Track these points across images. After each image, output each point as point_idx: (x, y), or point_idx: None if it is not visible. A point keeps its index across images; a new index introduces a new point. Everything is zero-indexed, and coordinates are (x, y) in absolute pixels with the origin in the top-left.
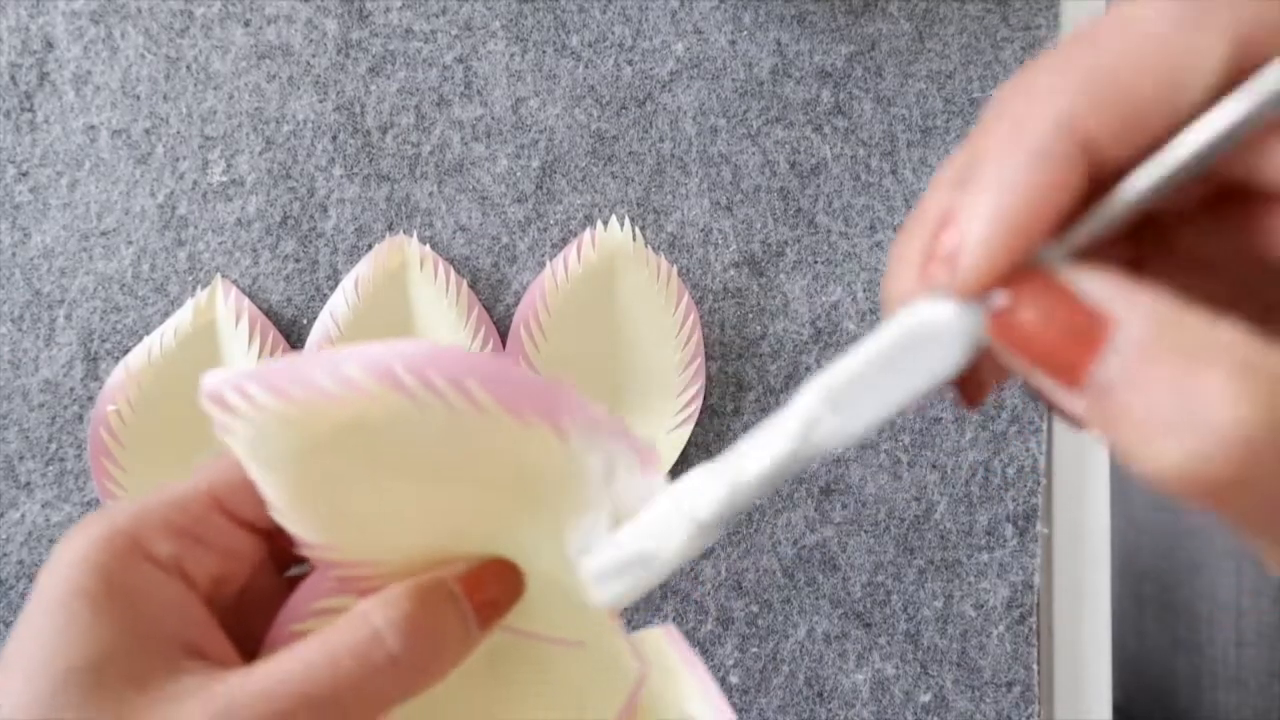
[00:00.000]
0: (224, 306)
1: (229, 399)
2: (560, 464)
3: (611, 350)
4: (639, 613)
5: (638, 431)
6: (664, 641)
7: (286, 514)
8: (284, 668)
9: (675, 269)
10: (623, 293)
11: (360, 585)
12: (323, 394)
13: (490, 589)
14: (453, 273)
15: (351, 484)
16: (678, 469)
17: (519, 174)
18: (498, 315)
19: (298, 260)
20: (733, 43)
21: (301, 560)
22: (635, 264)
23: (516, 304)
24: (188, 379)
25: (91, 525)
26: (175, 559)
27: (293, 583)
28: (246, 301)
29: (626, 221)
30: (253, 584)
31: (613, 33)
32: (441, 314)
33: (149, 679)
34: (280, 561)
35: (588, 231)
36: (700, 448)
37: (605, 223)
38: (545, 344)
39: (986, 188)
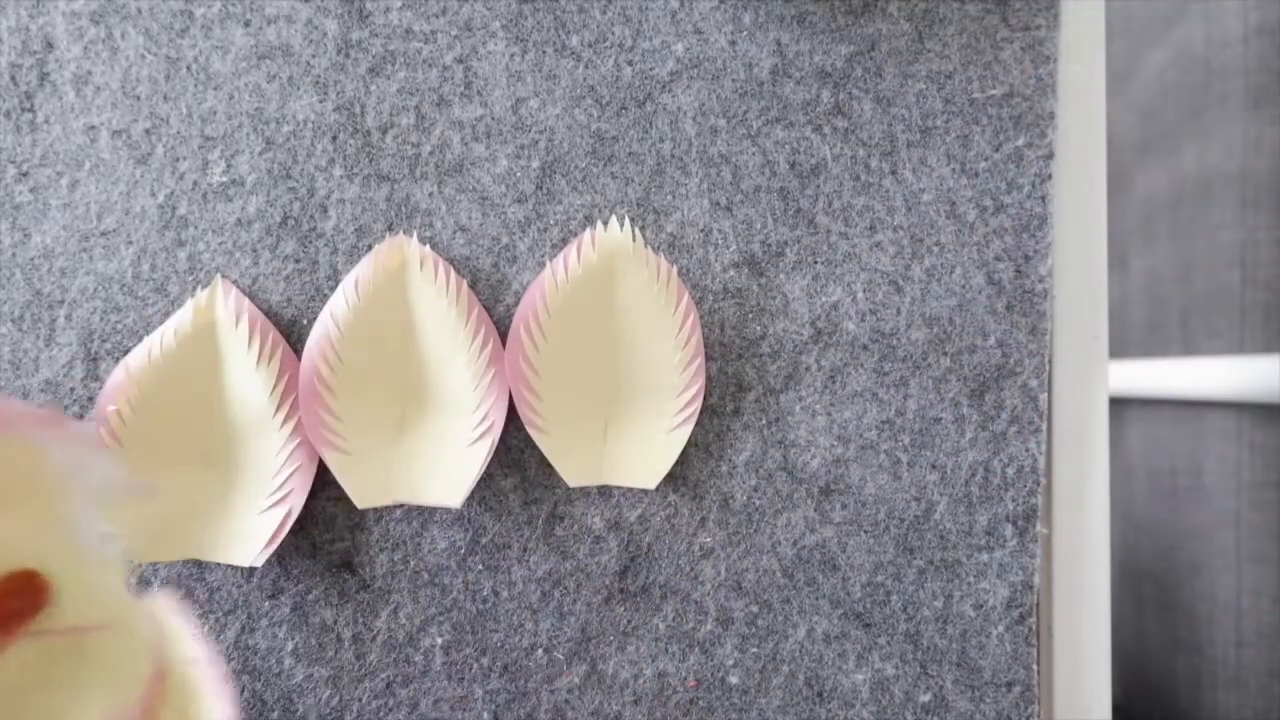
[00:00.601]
0: (224, 307)
1: None
2: (28, 463)
3: (611, 350)
4: (639, 613)
5: (637, 431)
6: (159, 603)
7: None
8: None
9: (675, 269)
10: (622, 293)
11: None
12: None
13: (8, 601)
14: (453, 273)
15: None
16: (678, 468)
17: (519, 174)
18: (498, 315)
19: (298, 260)
20: (733, 43)
21: None
22: (635, 264)
23: (516, 304)
24: (188, 379)
25: None
26: None
27: None
28: (246, 302)
29: (626, 221)
30: None
31: (613, 33)
32: (441, 314)
33: None
34: None
35: (587, 231)
36: (700, 448)
37: (605, 223)
38: (545, 344)
39: None
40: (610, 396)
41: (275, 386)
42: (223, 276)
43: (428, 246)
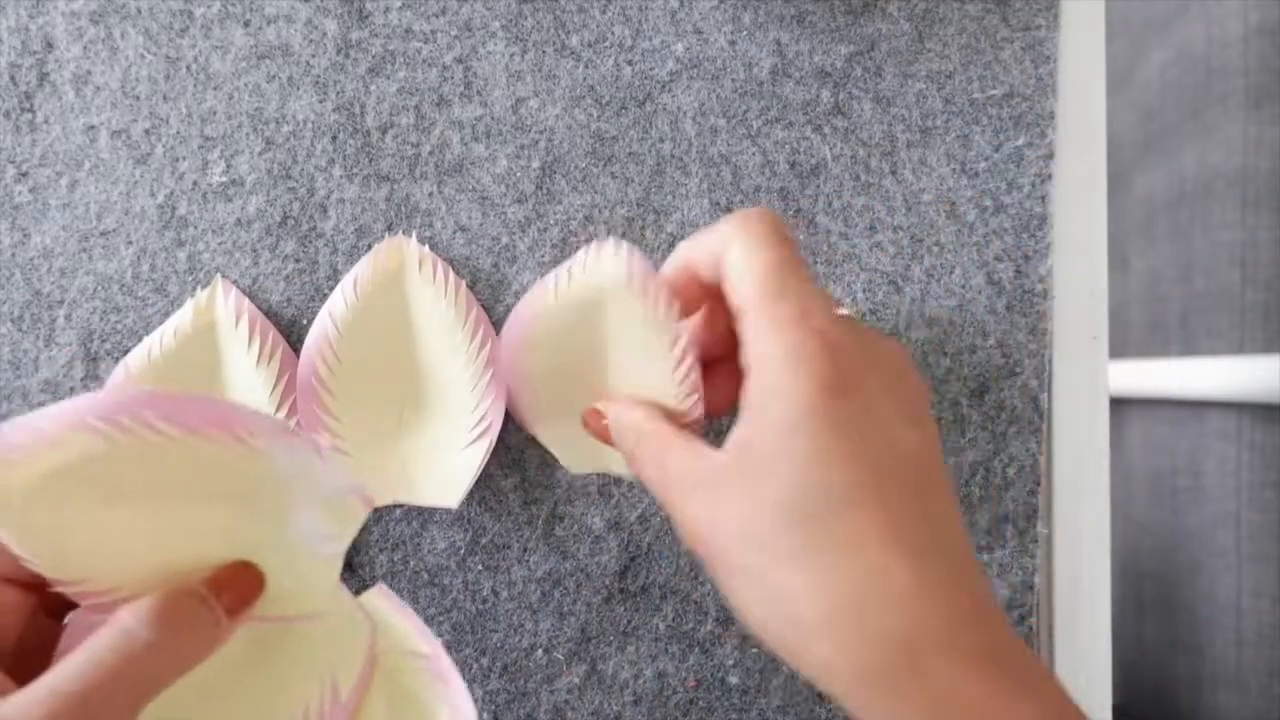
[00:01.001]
0: (224, 307)
1: None
2: (254, 467)
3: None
4: (639, 613)
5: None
6: (378, 598)
7: (32, 560)
8: (56, 676)
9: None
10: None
11: (114, 610)
12: (29, 450)
13: (232, 585)
14: (451, 273)
15: (76, 523)
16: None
17: (519, 174)
18: (497, 315)
19: (297, 260)
20: (732, 43)
21: (74, 605)
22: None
23: (517, 304)
24: (188, 379)
25: None
26: None
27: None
28: (246, 302)
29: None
30: (29, 632)
31: (613, 33)
32: (440, 315)
33: None
34: (52, 608)
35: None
36: None
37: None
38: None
39: None
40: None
41: (275, 386)
42: (223, 276)
43: (426, 247)
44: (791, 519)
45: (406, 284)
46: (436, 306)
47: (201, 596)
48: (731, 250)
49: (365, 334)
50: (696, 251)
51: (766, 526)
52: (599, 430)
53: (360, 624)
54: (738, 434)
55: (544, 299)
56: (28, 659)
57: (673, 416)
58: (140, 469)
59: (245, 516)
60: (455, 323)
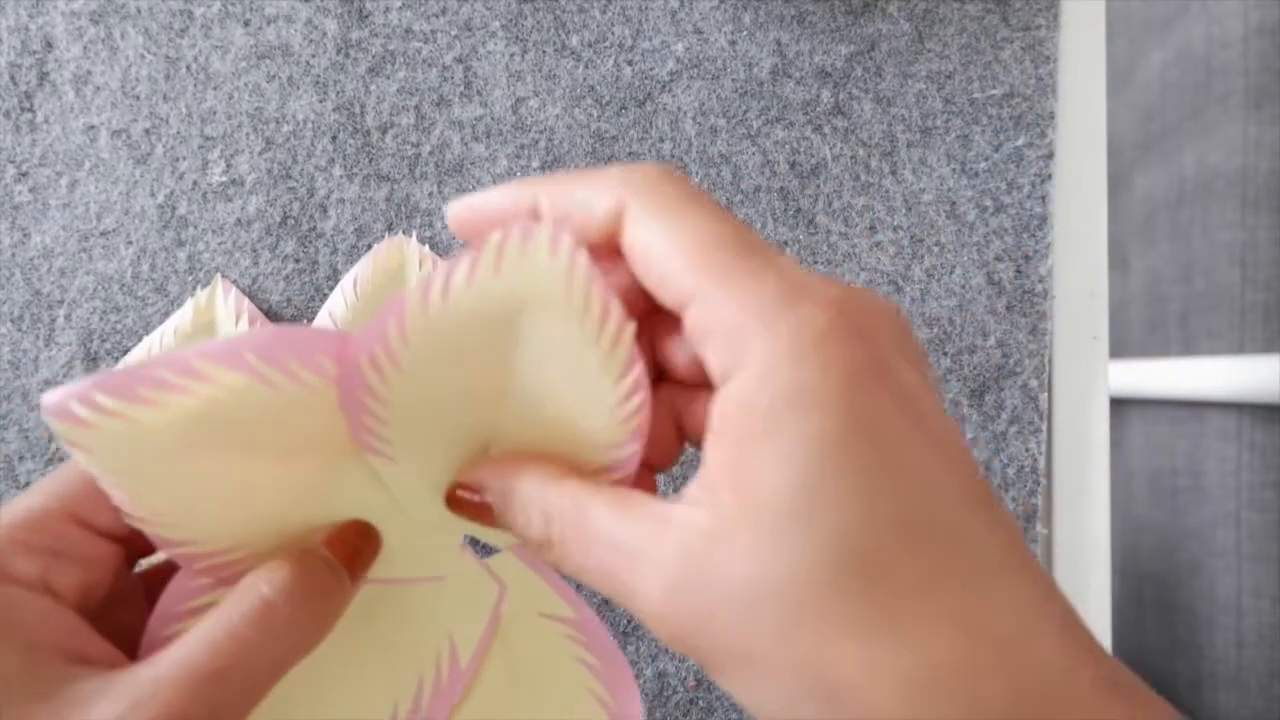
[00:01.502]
0: (224, 306)
1: (77, 412)
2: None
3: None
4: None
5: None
6: (513, 559)
7: (144, 518)
8: (187, 651)
9: (628, 320)
10: (534, 332)
11: (226, 572)
12: (171, 388)
13: (353, 545)
14: None
15: (207, 472)
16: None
17: (519, 174)
18: None
19: (298, 260)
20: (733, 43)
21: (151, 551)
22: (561, 300)
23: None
24: None
25: None
26: (39, 577)
27: (146, 578)
28: (246, 301)
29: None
30: (115, 586)
31: (613, 33)
32: None
33: (48, 690)
34: (134, 559)
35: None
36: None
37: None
38: (398, 376)
39: None
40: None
41: None
42: (223, 276)
43: (427, 246)
44: (851, 576)
45: (407, 283)
46: None
47: (330, 562)
48: (634, 226)
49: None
50: (558, 200)
51: (813, 594)
52: (475, 513)
53: (486, 586)
54: (718, 473)
55: (422, 302)
56: (114, 616)
57: (585, 475)
58: (281, 417)
59: (367, 477)
60: None
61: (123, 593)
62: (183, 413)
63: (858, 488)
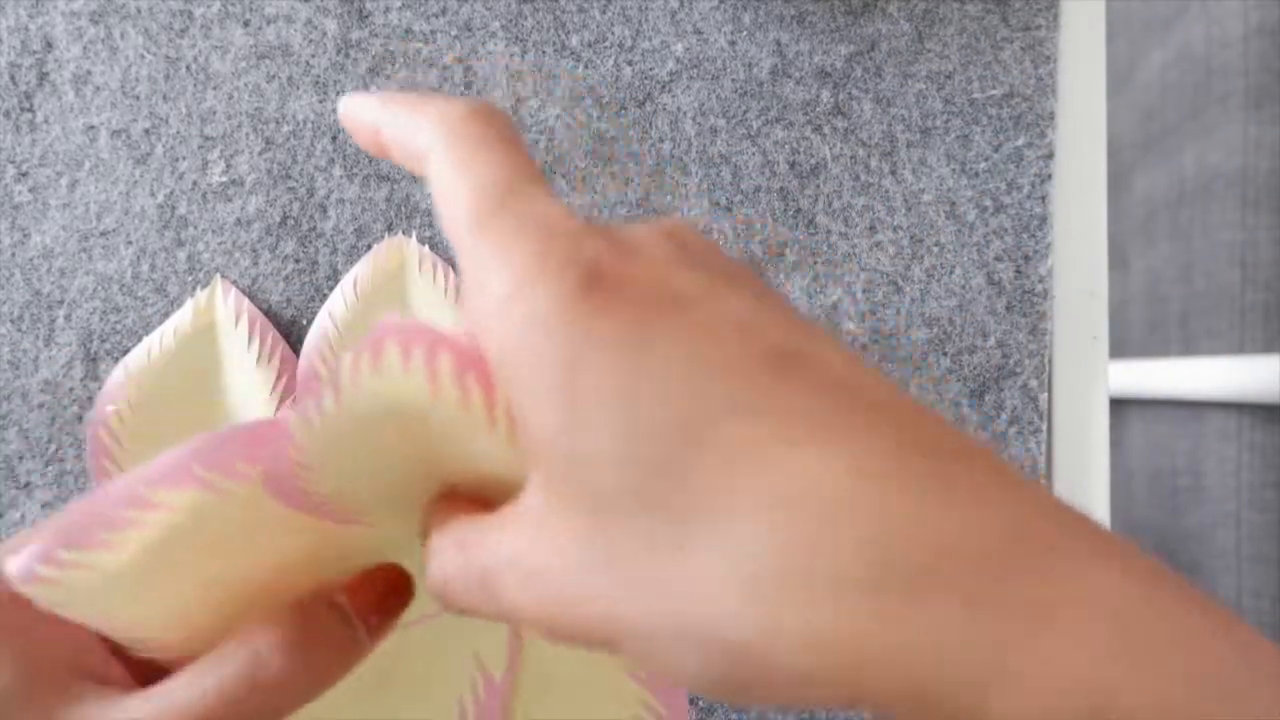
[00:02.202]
0: (224, 306)
1: (42, 574)
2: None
3: None
4: None
5: None
6: None
7: (123, 640)
8: (177, 693)
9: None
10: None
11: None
12: (126, 525)
13: (376, 596)
14: (451, 273)
15: (182, 587)
16: None
17: None
18: None
19: (297, 260)
20: (732, 43)
21: None
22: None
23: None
24: (188, 379)
25: None
26: None
27: None
28: (246, 302)
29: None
30: None
31: (613, 33)
32: (440, 315)
33: (50, 707)
34: None
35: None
36: None
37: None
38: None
39: None
40: None
41: (275, 386)
42: (222, 276)
43: (426, 247)
44: (647, 478)
45: (407, 284)
46: (437, 306)
47: (341, 612)
48: (432, 158)
49: (366, 334)
50: (395, 131)
51: (609, 534)
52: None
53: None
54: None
55: (305, 426)
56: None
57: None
58: (242, 516)
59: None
60: (457, 323)
61: None
62: (142, 546)
63: (608, 412)
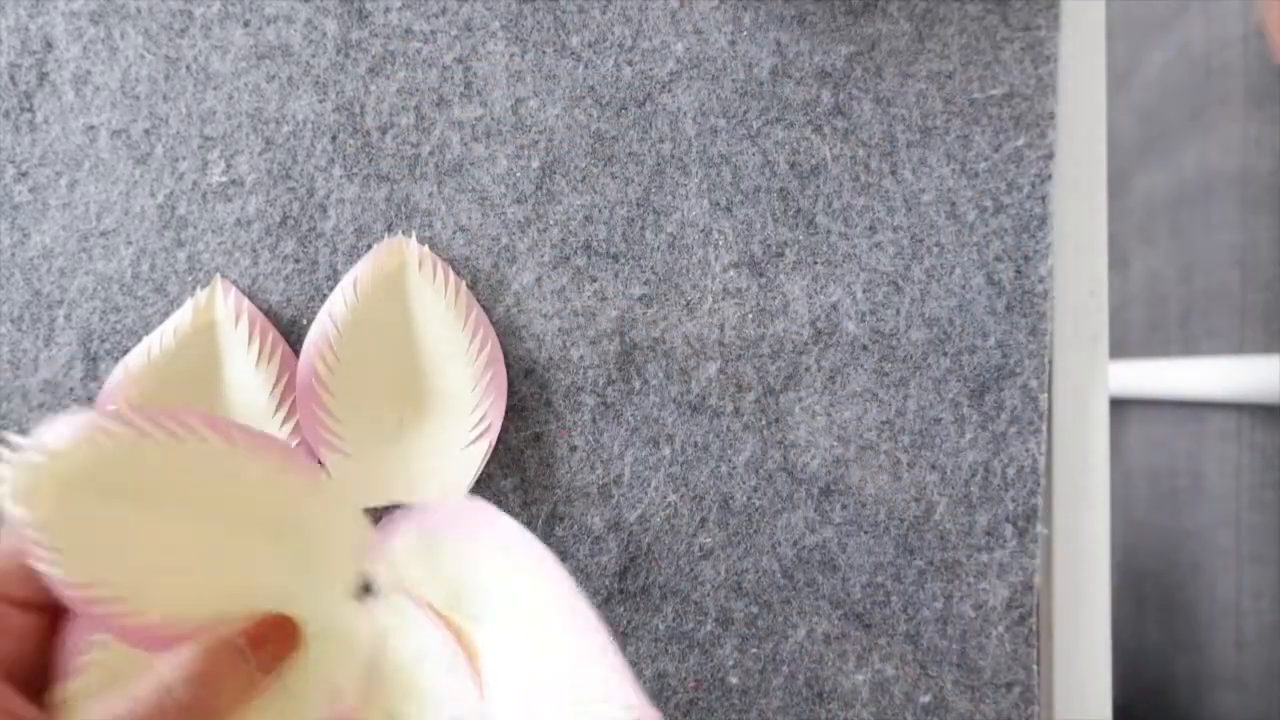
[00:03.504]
0: (223, 306)
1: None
2: (295, 501)
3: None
4: (638, 613)
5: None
6: (403, 600)
7: (49, 560)
8: (93, 716)
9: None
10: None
11: (112, 621)
12: (63, 440)
13: (271, 641)
14: (451, 274)
15: (107, 522)
16: (678, 469)
17: (519, 174)
18: (497, 316)
19: (297, 260)
20: (733, 43)
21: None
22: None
23: (516, 305)
24: (188, 379)
25: None
26: None
27: None
28: (246, 301)
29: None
30: (44, 655)
31: (613, 33)
32: (440, 315)
33: None
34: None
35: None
36: (700, 448)
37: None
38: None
39: None
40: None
41: (275, 386)
42: (222, 276)
43: (426, 247)
44: None
45: (407, 284)
46: (436, 307)
47: (241, 651)
48: None
49: (365, 334)
50: None
51: None
52: None
53: (361, 627)
54: None
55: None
56: (40, 684)
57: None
58: (180, 475)
59: (280, 556)
60: (455, 323)
61: (53, 664)
62: (83, 462)
63: None
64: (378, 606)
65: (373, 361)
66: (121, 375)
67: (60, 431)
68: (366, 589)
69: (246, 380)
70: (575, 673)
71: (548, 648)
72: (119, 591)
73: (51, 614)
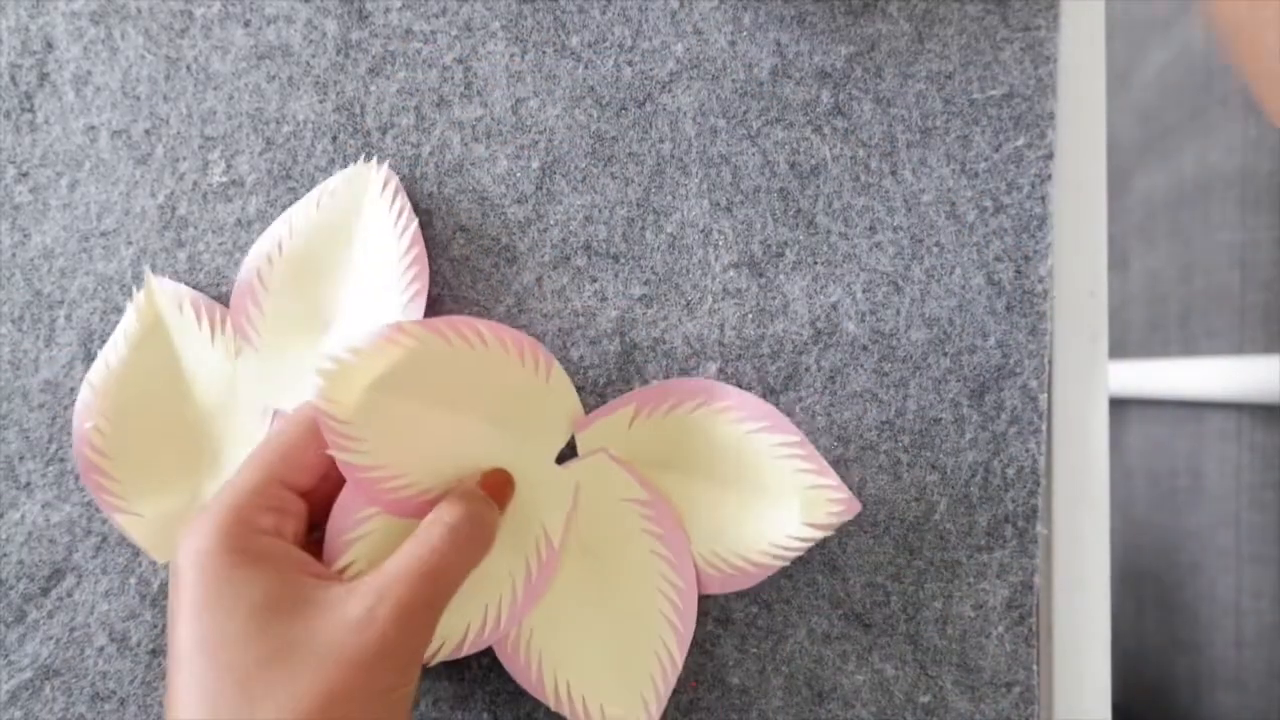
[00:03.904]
0: (163, 299)
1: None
2: (541, 395)
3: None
4: None
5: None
6: (595, 460)
7: (351, 449)
8: (403, 562)
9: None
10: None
11: (389, 496)
12: (374, 347)
13: (499, 486)
14: (409, 208)
15: (400, 417)
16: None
17: (519, 174)
18: (497, 316)
19: None
20: (732, 43)
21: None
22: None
23: (517, 304)
24: (152, 378)
25: (205, 524)
26: (275, 527)
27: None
28: (183, 287)
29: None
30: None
31: (613, 33)
32: (383, 237)
33: (310, 597)
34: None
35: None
36: None
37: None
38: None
39: None
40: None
41: (239, 353)
42: (150, 271)
43: (395, 176)
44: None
45: (364, 205)
46: (383, 231)
47: (486, 499)
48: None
49: (316, 239)
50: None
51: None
52: None
53: (566, 483)
54: None
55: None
56: (307, 548)
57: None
58: (449, 374)
59: (510, 432)
60: (395, 250)
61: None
62: (391, 365)
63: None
64: (578, 464)
65: (312, 267)
66: (89, 393)
67: (362, 342)
68: (573, 451)
69: (207, 358)
70: (775, 504)
71: (746, 497)
72: (401, 470)
73: (320, 497)
